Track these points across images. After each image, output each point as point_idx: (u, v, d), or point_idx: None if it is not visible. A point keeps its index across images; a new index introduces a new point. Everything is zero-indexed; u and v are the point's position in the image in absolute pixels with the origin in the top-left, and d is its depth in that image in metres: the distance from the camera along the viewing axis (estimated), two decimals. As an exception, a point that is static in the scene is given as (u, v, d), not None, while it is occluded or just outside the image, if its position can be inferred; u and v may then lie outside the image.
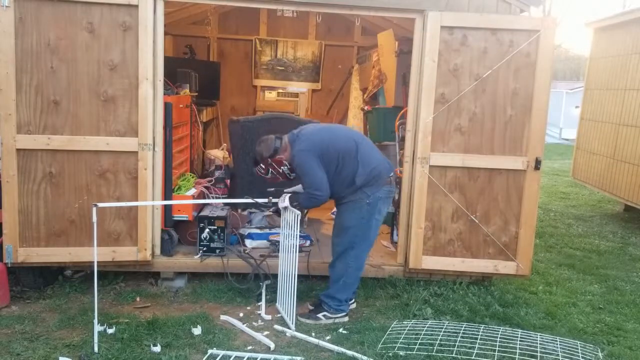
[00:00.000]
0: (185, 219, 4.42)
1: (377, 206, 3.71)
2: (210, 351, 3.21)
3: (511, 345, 3.40)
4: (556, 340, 3.53)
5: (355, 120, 6.95)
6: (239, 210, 5.08)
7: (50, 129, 3.87)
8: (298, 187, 3.89)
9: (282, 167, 3.76)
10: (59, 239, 3.98)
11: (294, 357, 3.20)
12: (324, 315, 3.76)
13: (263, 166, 3.78)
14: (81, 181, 3.96)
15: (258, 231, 4.82)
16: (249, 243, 4.65)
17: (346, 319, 3.79)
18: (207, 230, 4.34)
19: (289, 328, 3.59)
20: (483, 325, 3.70)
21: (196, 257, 4.32)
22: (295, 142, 3.69)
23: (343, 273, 3.78)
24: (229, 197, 4.91)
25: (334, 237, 3.85)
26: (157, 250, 4.25)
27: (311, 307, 3.87)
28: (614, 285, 4.86)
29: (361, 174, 3.65)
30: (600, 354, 3.45)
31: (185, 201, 4.41)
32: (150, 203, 4.04)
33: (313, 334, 3.54)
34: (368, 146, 3.82)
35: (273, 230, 4.81)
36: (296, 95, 7.93)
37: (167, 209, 4.32)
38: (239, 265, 4.31)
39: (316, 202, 3.67)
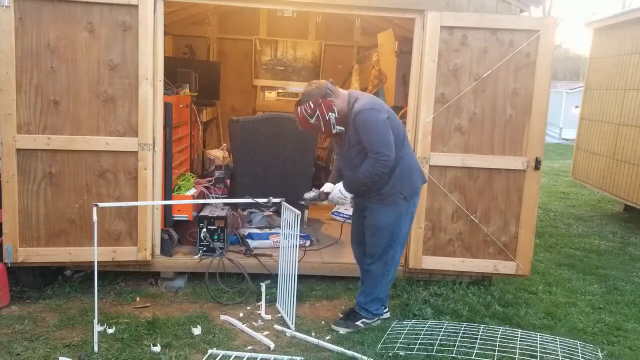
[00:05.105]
0: (185, 219, 4.43)
1: (412, 199, 3.52)
2: (210, 351, 3.21)
3: (511, 345, 3.40)
4: (556, 340, 3.52)
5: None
6: (239, 210, 5.08)
7: (50, 129, 3.87)
8: (327, 186, 3.60)
9: (329, 113, 3.34)
10: (59, 239, 3.99)
11: (294, 357, 3.20)
12: (362, 322, 3.64)
13: (312, 105, 3.34)
14: (81, 181, 3.96)
15: (258, 231, 4.82)
16: (248, 243, 4.65)
17: (379, 321, 3.72)
18: (206, 230, 4.34)
19: (289, 328, 3.59)
20: (483, 325, 3.70)
21: (196, 257, 4.33)
22: (357, 100, 3.35)
23: (383, 273, 3.58)
24: (229, 197, 4.91)
25: (368, 238, 3.58)
26: (157, 250, 4.25)
27: (340, 315, 3.75)
28: (614, 285, 4.86)
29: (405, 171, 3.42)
30: (600, 354, 3.45)
31: (185, 201, 4.42)
32: (150, 203, 4.04)
33: (313, 334, 3.54)
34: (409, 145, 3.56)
35: (273, 230, 4.81)
36: (296, 95, 7.91)
37: (167, 209, 4.32)
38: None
39: (385, 165, 3.22)
